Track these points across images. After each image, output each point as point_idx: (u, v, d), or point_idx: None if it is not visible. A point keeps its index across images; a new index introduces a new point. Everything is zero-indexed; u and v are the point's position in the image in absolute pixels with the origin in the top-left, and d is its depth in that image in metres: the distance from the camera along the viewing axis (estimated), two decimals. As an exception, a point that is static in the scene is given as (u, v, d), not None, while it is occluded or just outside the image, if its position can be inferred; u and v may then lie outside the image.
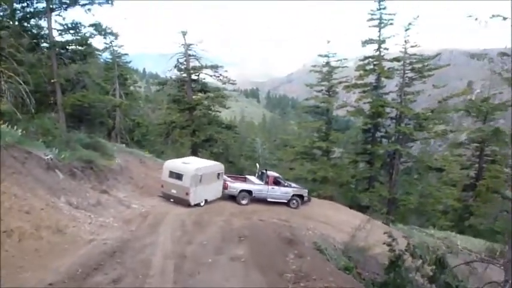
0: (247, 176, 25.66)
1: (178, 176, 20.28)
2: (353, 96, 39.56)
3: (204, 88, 40.38)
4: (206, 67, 39.59)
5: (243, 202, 22.68)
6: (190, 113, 39.74)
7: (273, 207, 22.94)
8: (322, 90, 38.26)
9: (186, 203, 20.04)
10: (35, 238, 10.91)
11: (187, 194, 19.92)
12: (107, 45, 41.52)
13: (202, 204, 20.78)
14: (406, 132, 31.97)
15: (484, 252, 27.70)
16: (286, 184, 24.30)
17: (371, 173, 35.50)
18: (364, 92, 35.63)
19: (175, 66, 39.98)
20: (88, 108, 22.36)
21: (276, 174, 25.01)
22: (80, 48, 23.00)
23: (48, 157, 16.25)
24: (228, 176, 24.28)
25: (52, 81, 21.62)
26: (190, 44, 39.47)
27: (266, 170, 25.05)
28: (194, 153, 36.90)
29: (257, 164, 28.26)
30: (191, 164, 21.19)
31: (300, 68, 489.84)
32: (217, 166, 22.96)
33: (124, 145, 33.35)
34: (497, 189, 40.42)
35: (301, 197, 24.36)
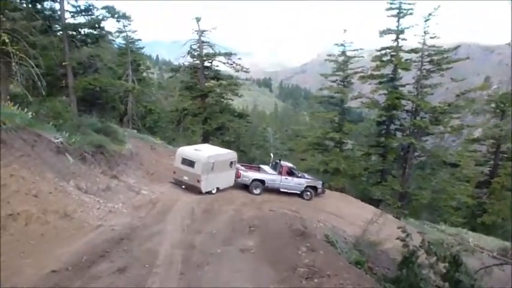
0: (261, 166, 25.27)
1: (191, 163, 20.14)
2: (367, 88, 38.65)
3: (216, 75, 39.89)
4: (220, 54, 39.04)
5: (256, 192, 22.35)
6: (202, 100, 39.32)
7: (284, 198, 22.62)
8: (336, 80, 37.52)
9: (197, 190, 19.91)
10: (41, 222, 10.68)
11: (198, 181, 19.78)
12: (121, 30, 41.26)
13: (214, 192, 20.63)
14: (421, 125, 31.17)
15: (497, 251, 27.19)
16: (299, 175, 23.84)
17: (384, 166, 34.86)
18: (380, 83, 34.81)
19: (188, 53, 39.47)
20: (99, 92, 22.00)
21: (290, 165, 24.51)
22: (92, 31, 22.71)
23: (58, 140, 16.03)
24: (241, 165, 23.97)
25: (64, 63, 21.37)
26: (204, 31, 38.93)
27: (280, 160, 24.59)
28: (205, 141, 36.44)
29: (271, 154, 27.80)
30: (203, 151, 20.99)
31: (313, 58, 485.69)
32: (230, 154, 22.57)
33: (135, 131, 33.15)
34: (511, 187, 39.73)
35: (315, 188, 23.90)
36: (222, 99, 40.23)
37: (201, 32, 38.88)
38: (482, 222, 37.64)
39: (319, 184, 24.25)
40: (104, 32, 22.43)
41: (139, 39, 45.24)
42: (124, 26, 40.86)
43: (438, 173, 34.48)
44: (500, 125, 39.49)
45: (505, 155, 41.06)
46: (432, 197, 32.92)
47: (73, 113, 20.49)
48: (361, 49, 35.98)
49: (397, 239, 12.87)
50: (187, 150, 21.35)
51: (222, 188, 21.41)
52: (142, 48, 48.81)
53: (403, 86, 34.95)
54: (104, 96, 22.43)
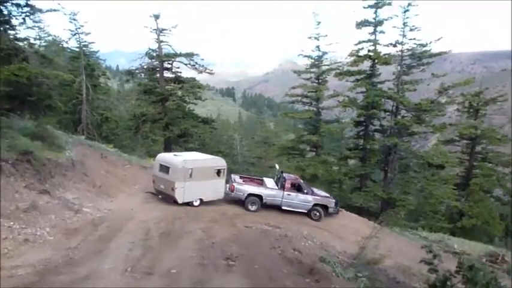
0: (264, 179, 21.86)
1: (166, 169, 18.02)
2: (340, 87, 36.16)
3: (178, 78, 36.30)
4: (181, 55, 35.56)
5: (252, 208, 19.21)
6: (162, 104, 35.75)
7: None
8: (310, 78, 34.47)
9: (174, 201, 17.83)
10: None
11: (173, 189, 17.51)
12: (73, 33, 37.00)
13: (196, 204, 18.34)
14: (406, 124, 28.54)
15: (484, 256, 25.07)
16: (306, 191, 20.23)
17: (366, 170, 31.98)
18: (357, 80, 32.07)
19: (146, 54, 35.81)
20: (29, 87, 17.63)
21: (296, 178, 21.11)
22: (16, 8, 18.10)
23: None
24: (241, 177, 21.35)
25: (-23, 48, 16.83)
26: (163, 29, 35.39)
27: (282, 172, 21.14)
28: (167, 149, 33.31)
29: (276, 165, 23.98)
30: (181, 157, 18.71)
31: (276, 67, 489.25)
32: (216, 161, 19.94)
33: (83, 137, 28.69)
34: (488, 189, 38.43)
35: (325, 207, 20.25)
36: (185, 103, 36.68)
37: (159, 31, 35.28)
38: (462, 226, 35.79)
39: (330, 203, 20.49)
40: (34, 10, 17.92)
41: (92, 42, 40.94)
42: (76, 29, 36.75)
43: (421, 176, 32.17)
44: (475, 125, 37.90)
45: (480, 155, 39.74)
46: (418, 202, 30.46)
47: (-9, 112, 16.07)
48: (336, 43, 33.18)
49: (422, 261, 9.99)
50: (165, 156, 19.60)
51: (207, 200, 18.84)
52: (96, 52, 44.36)
53: (382, 82, 32.42)
54: (35, 91, 18.02)
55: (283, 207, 19.74)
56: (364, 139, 32.86)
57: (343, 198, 33.07)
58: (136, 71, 37.50)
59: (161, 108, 35.72)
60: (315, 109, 34.14)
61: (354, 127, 34.67)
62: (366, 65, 32.07)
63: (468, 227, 35.63)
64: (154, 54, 35.60)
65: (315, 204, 19.96)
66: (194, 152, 22.76)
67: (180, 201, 17.76)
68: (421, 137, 35.01)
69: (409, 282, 16.16)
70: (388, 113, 31.85)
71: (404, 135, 30.22)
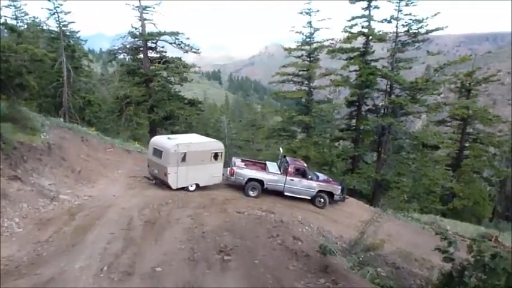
0: (267, 162, 20.77)
1: (159, 154, 17.32)
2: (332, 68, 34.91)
3: (162, 58, 34.72)
4: (165, 33, 33.96)
5: (252, 194, 18.24)
6: (146, 86, 34.21)
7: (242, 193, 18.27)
8: (301, 55, 33.06)
9: (167, 186, 17.16)
10: None
11: (165, 174, 16.84)
12: (51, 12, 34.92)
13: (192, 189, 17.57)
14: (401, 103, 27.45)
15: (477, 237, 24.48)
16: (310, 176, 19.13)
17: (359, 152, 30.98)
18: (350, 58, 30.76)
19: (129, 33, 34.08)
20: (-5, 64, 16.02)
21: (300, 163, 20.04)
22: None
23: None
24: (243, 160, 20.51)
25: None
26: (147, 7, 33.68)
27: (285, 156, 20.10)
28: (153, 132, 32.02)
29: (280, 148, 22.73)
30: (175, 140, 17.73)
31: (262, 50, 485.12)
32: (212, 144, 18.90)
33: (61, 119, 27.22)
34: (478, 170, 38.12)
35: (330, 194, 19.16)
36: (170, 85, 35.25)
37: (142, 8, 33.54)
38: (453, 207, 35.44)
39: (336, 189, 19.30)
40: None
41: (72, 22, 38.77)
42: (55, 7, 34.67)
43: (413, 157, 31.41)
44: (467, 105, 37.20)
45: (471, 136, 39.32)
46: (413, 183, 29.67)
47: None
48: (329, 18, 31.64)
49: (437, 249, 8.96)
50: (159, 139, 18.75)
51: (204, 185, 18.08)
52: (77, 32, 42.22)
53: (376, 60, 31.06)
54: (3, 68, 16.33)
55: (286, 193, 18.74)
56: (357, 119, 31.76)
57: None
58: (119, 51, 35.88)
59: (145, 90, 34.24)
60: (306, 88, 32.92)
61: (346, 107, 33.51)
62: (360, 42, 30.75)
63: (459, 208, 35.34)
64: (138, 33, 33.98)
65: (320, 191, 18.89)
66: (192, 134, 21.71)
67: (173, 186, 16.97)
68: (415, 117, 33.88)
69: (410, 268, 15.37)
70: (381, 92, 30.81)
71: (399, 115, 29.17)
